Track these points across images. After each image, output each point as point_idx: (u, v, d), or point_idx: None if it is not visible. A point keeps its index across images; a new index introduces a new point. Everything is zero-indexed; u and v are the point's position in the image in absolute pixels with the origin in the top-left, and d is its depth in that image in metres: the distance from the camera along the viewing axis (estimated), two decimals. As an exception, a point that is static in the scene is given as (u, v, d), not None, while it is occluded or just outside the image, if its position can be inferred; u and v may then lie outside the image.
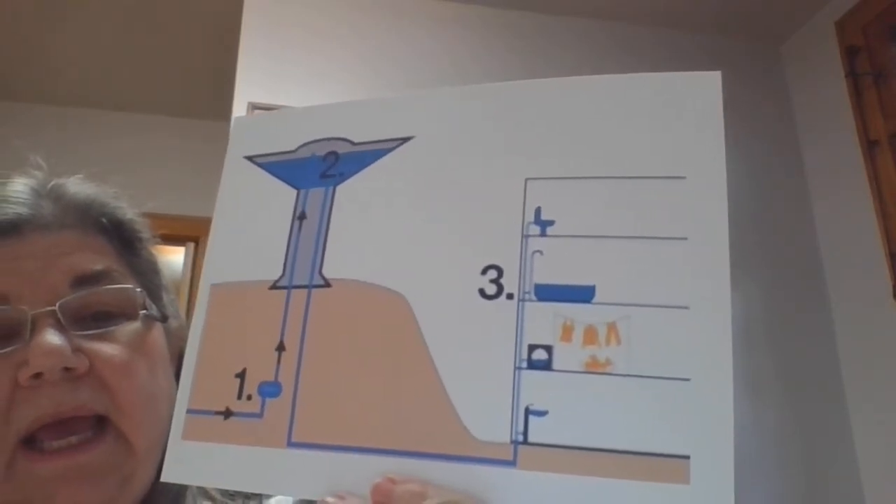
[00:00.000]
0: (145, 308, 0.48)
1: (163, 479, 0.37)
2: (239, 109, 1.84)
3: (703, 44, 2.14)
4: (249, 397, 0.36)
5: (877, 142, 1.85)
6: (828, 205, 2.04)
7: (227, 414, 0.36)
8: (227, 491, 0.51)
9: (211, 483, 0.34)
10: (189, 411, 0.37)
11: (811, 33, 2.12)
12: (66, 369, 0.42)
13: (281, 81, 1.89)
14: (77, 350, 0.43)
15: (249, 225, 0.40)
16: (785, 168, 2.10)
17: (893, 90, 1.84)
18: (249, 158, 0.41)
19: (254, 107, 1.83)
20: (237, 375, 0.36)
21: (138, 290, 0.48)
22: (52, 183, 0.50)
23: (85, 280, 0.46)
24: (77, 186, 0.51)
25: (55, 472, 0.42)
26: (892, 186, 1.81)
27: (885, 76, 1.86)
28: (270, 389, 0.36)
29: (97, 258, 0.48)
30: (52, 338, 0.42)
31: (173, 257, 2.68)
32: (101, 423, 0.44)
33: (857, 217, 1.91)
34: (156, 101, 2.66)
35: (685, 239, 0.33)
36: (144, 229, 0.54)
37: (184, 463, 0.35)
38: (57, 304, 0.44)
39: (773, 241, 2.00)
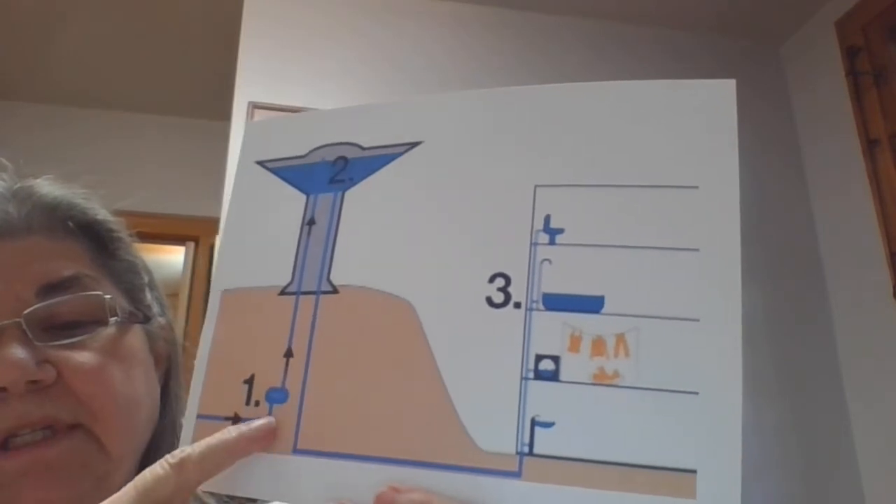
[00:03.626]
0: (116, 314, 0.47)
1: None
2: (239, 109, 1.84)
3: (703, 44, 2.13)
4: (257, 403, 0.36)
5: (877, 141, 1.85)
6: (828, 205, 2.04)
7: (236, 420, 0.36)
8: (221, 496, 0.50)
9: (218, 489, 0.34)
10: (199, 416, 0.37)
11: (811, 33, 2.12)
12: (32, 382, 0.42)
13: (281, 81, 1.89)
14: (44, 361, 0.43)
15: (259, 230, 0.40)
16: (785, 168, 2.10)
17: (893, 90, 1.84)
18: (261, 163, 0.41)
19: (254, 106, 1.83)
20: (245, 381, 0.36)
21: (107, 296, 0.47)
22: (18, 185, 0.49)
23: (52, 288, 0.45)
24: (45, 188, 0.50)
25: (21, 468, 0.41)
26: (892, 186, 1.81)
27: (885, 76, 1.86)
28: (277, 396, 0.35)
29: (66, 264, 0.47)
30: (14, 351, 0.41)
31: (173, 257, 2.68)
32: (74, 428, 0.44)
33: (857, 217, 1.91)
34: (155, 101, 2.65)
35: (697, 250, 0.32)
36: (120, 228, 0.52)
37: None
38: (22, 315, 0.43)
39: (773, 240, 2.00)
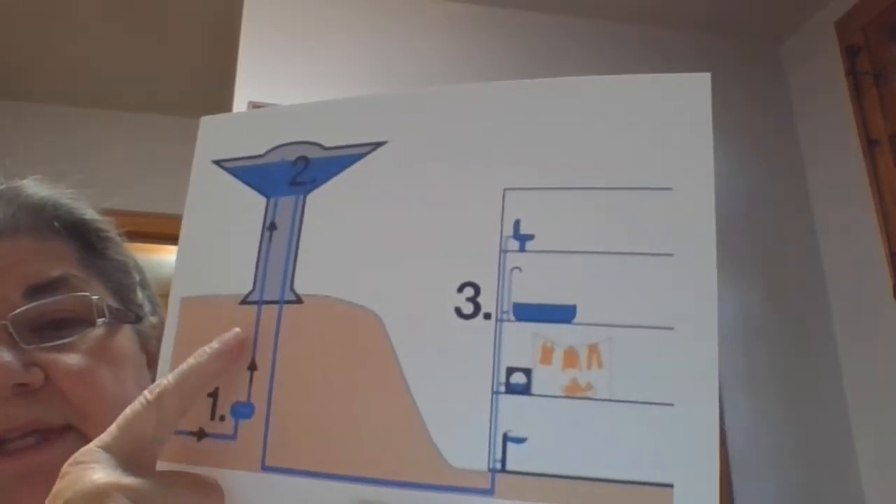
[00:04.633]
0: (105, 314, 0.46)
1: None
2: (239, 110, 1.84)
3: (703, 44, 2.13)
4: (222, 418, 0.34)
5: (877, 142, 1.85)
6: (828, 205, 2.04)
7: (201, 435, 0.34)
8: None
9: None
10: None
11: (811, 33, 2.12)
12: (20, 385, 0.41)
13: (280, 82, 1.89)
14: (31, 364, 0.42)
15: (219, 235, 0.38)
16: (785, 168, 2.10)
17: (893, 90, 1.84)
18: (217, 163, 0.39)
19: (254, 107, 1.83)
20: (210, 395, 0.35)
21: (95, 297, 0.46)
22: (4, 186, 0.49)
23: (39, 289, 0.45)
24: (32, 188, 0.49)
25: (16, 472, 0.41)
26: (892, 186, 1.81)
27: (885, 76, 1.85)
28: (243, 410, 0.34)
29: (54, 264, 0.46)
30: (1, 354, 0.41)
31: (172, 257, 2.68)
32: (65, 430, 0.43)
33: (857, 217, 1.90)
34: (155, 101, 2.65)
35: (671, 255, 0.31)
36: (109, 228, 0.52)
37: None
38: (8, 318, 0.42)
39: (773, 241, 1.99)
